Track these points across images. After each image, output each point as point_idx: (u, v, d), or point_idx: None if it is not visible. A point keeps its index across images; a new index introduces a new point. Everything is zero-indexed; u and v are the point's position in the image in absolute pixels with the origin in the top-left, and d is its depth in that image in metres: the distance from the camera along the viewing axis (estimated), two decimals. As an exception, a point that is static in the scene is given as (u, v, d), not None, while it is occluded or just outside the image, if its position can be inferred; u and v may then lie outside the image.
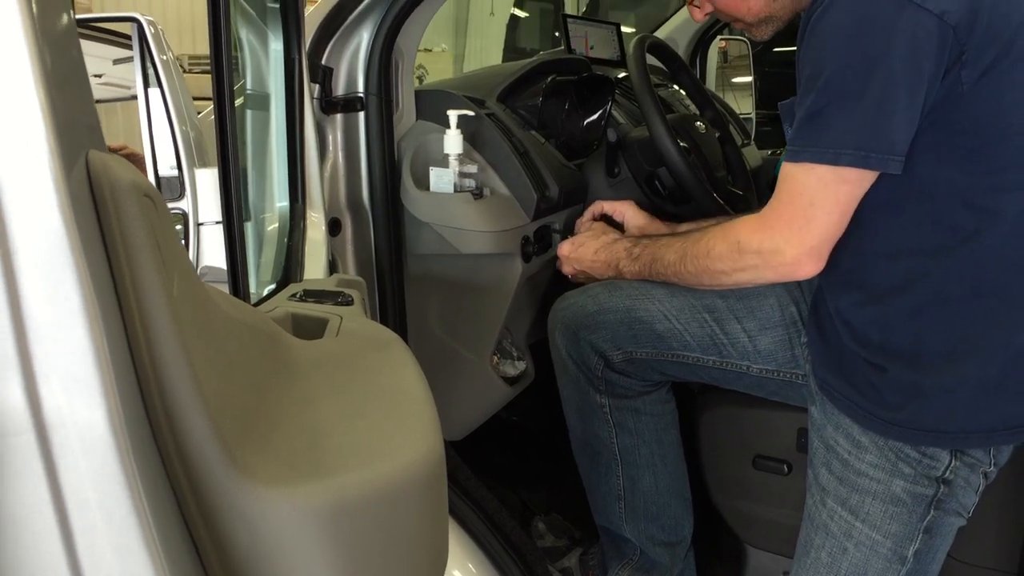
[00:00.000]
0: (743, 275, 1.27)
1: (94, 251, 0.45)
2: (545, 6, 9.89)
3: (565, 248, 1.60)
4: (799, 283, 1.46)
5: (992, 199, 1.14)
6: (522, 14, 9.29)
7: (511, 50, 9.10)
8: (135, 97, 1.59)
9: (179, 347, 0.46)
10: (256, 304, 1.09)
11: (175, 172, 1.36)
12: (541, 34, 9.04)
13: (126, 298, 0.46)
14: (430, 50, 14.35)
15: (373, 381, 0.79)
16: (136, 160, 1.65)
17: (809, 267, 1.19)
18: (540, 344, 1.75)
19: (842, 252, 1.21)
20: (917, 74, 1.07)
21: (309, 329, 0.99)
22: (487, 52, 13.41)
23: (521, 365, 1.76)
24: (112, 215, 0.46)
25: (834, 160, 1.11)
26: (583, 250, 1.56)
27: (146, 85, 1.44)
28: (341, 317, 1.01)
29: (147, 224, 0.47)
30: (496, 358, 1.72)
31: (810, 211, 1.16)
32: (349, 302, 1.13)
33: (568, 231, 1.71)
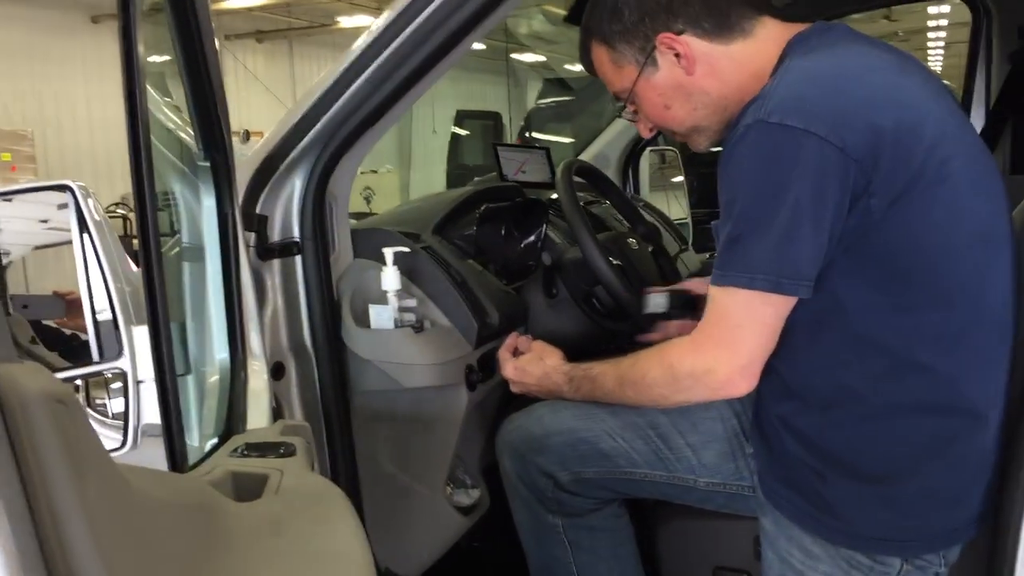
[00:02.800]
0: (679, 396, 1.30)
1: (3, 465, 0.45)
2: (485, 123, 10.17)
3: (508, 371, 1.60)
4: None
5: (912, 319, 1.18)
6: (463, 132, 9.52)
7: (455, 167, 9.29)
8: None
9: (95, 555, 0.46)
10: (196, 464, 1.09)
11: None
12: (484, 150, 9.25)
13: (39, 509, 0.46)
14: (376, 171, 14.60)
15: (310, 547, 0.78)
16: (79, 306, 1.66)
17: (742, 385, 1.22)
18: (494, 467, 1.75)
19: (780, 362, 1.24)
20: (822, 204, 1.11)
21: (249, 487, 0.98)
22: (432, 169, 13.67)
23: (475, 493, 1.75)
24: (21, 427, 0.46)
25: (749, 284, 1.15)
26: (526, 377, 1.57)
27: (83, 245, 1.46)
28: (282, 472, 1.01)
29: (59, 431, 0.48)
30: (450, 488, 1.72)
31: (738, 332, 1.19)
32: (292, 452, 1.13)
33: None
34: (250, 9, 14.90)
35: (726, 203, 1.18)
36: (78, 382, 1.58)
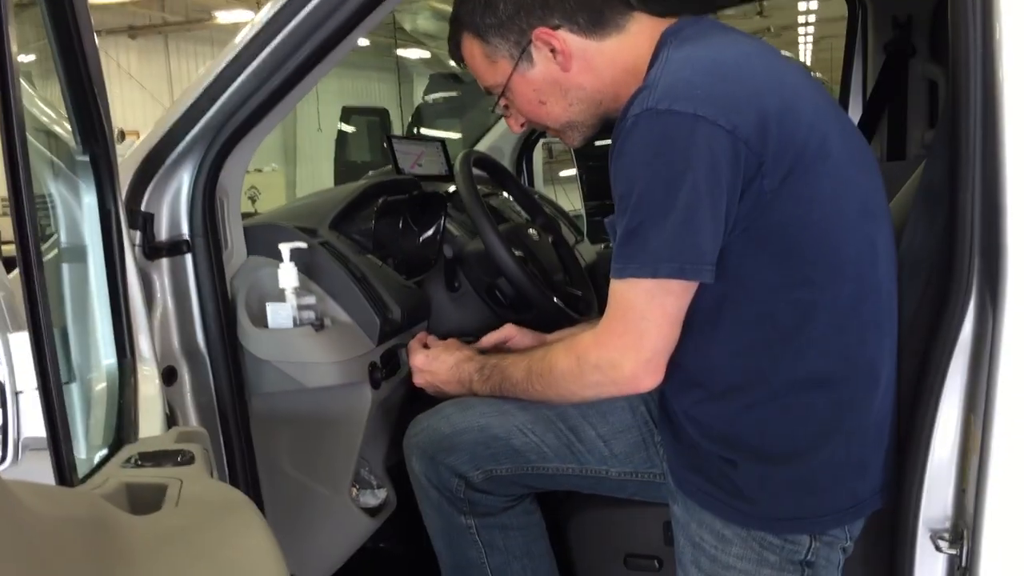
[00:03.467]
0: (587, 391, 1.28)
1: None
2: (371, 119, 10.04)
3: (419, 359, 1.55)
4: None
5: (807, 294, 1.20)
6: (349, 128, 9.38)
7: (342, 164, 9.15)
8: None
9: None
10: (85, 477, 1.02)
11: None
12: (371, 146, 9.14)
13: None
14: (260, 170, 14.27)
15: (218, 558, 0.73)
16: None
17: (648, 380, 1.21)
18: (400, 466, 1.71)
19: (681, 353, 1.23)
20: (718, 187, 1.12)
21: (146, 500, 0.92)
22: (318, 167, 13.44)
23: (382, 494, 1.71)
24: None
25: (653, 273, 1.14)
26: (437, 364, 1.53)
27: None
28: (181, 481, 0.95)
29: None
30: (355, 490, 1.67)
31: (642, 325, 1.18)
32: (189, 460, 1.07)
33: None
34: (123, 4, 14.34)
35: (621, 196, 1.17)
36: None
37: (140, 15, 15.11)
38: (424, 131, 8.45)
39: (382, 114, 9.81)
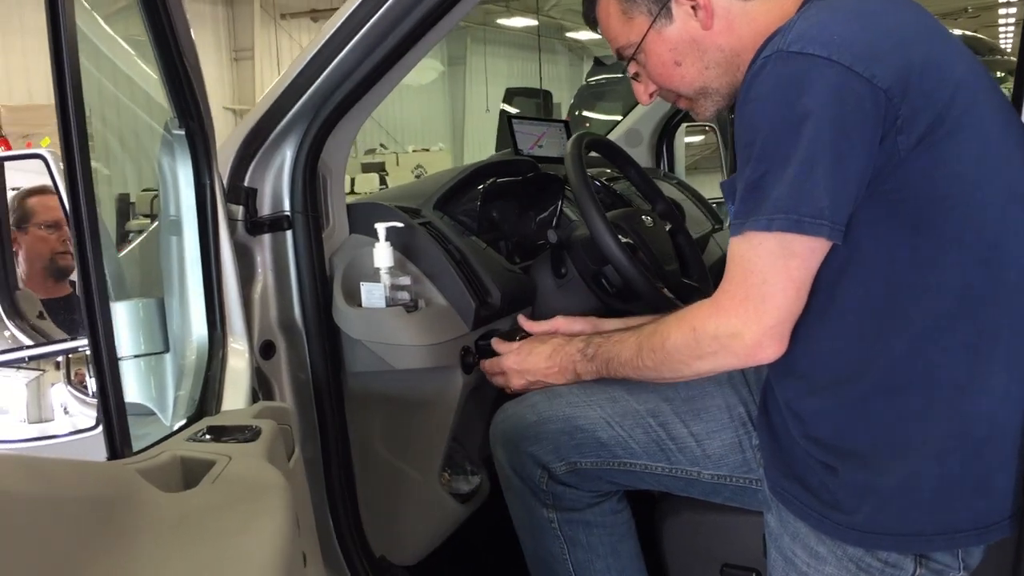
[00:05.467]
0: (703, 363, 1.19)
1: None
2: (536, 101, 10.07)
3: (511, 360, 1.49)
4: (746, 381, 1.39)
5: (935, 276, 1.09)
6: (512, 109, 9.43)
7: (504, 145, 9.23)
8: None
9: None
10: (148, 447, 1.03)
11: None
12: (532, 127, 9.14)
13: None
14: (428, 149, 14.64)
15: (225, 545, 0.72)
16: None
17: (771, 349, 1.12)
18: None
19: (789, 339, 1.14)
20: (845, 138, 1.03)
21: (195, 474, 0.93)
22: (485, 147, 13.62)
23: (475, 480, 1.68)
24: None
25: (767, 226, 1.05)
26: (533, 358, 1.47)
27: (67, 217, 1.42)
28: (229, 458, 0.95)
29: None
30: (447, 475, 1.65)
31: (764, 289, 1.09)
32: (252, 438, 1.07)
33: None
34: (305, -13, 14.96)
35: (744, 146, 1.09)
36: (59, 358, 1.55)
37: (322, -1, 15.71)
38: (584, 113, 8.39)
39: (545, 95, 9.82)
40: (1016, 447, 1.12)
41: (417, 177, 11.65)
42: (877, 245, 1.09)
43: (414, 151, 14.15)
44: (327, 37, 1.39)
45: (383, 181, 11.83)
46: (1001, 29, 18.49)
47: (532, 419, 1.44)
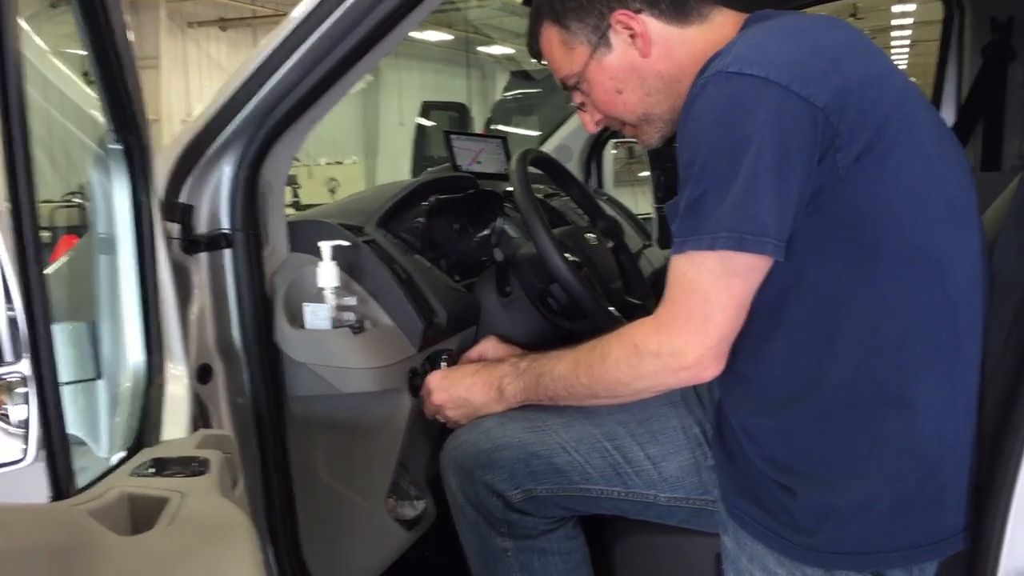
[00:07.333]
0: (642, 382, 1.19)
1: None
2: (451, 114, 10.02)
3: (435, 378, 1.47)
4: (700, 401, 1.39)
5: (878, 292, 1.10)
6: (428, 123, 9.37)
7: (421, 158, 9.15)
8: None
9: None
10: (90, 484, 0.96)
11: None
12: (449, 142, 9.09)
13: None
14: (341, 163, 14.45)
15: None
16: None
17: (712, 368, 1.13)
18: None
19: (739, 358, 1.15)
20: (785, 157, 1.04)
21: (147, 512, 0.87)
22: (399, 161, 13.53)
23: (420, 505, 1.64)
24: None
25: (711, 245, 1.06)
26: (456, 373, 1.46)
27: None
28: (183, 495, 0.89)
29: None
30: (393, 500, 1.60)
31: (706, 308, 1.10)
32: (201, 471, 1.01)
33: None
34: (213, -4, 14.65)
35: (685, 165, 1.10)
36: (-22, 386, 1.45)
37: (231, 8, 15.41)
38: (500, 127, 8.39)
39: (461, 109, 9.78)
40: (967, 462, 1.14)
41: (331, 191, 11.48)
42: (821, 262, 1.10)
43: (327, 164, 13.95)
44: (269, 51, 1.34)
45: (295, 194, 11.62)
46: (895, 51, 19.29)
47: (486, 446, 1.40)
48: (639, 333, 1.18)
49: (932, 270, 1.11)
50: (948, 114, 2.80)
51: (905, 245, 1.10)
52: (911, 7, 14.99)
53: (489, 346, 1.56)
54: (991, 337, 1.16)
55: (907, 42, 18.99)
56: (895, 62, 1.30)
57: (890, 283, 1.10)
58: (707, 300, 1.09)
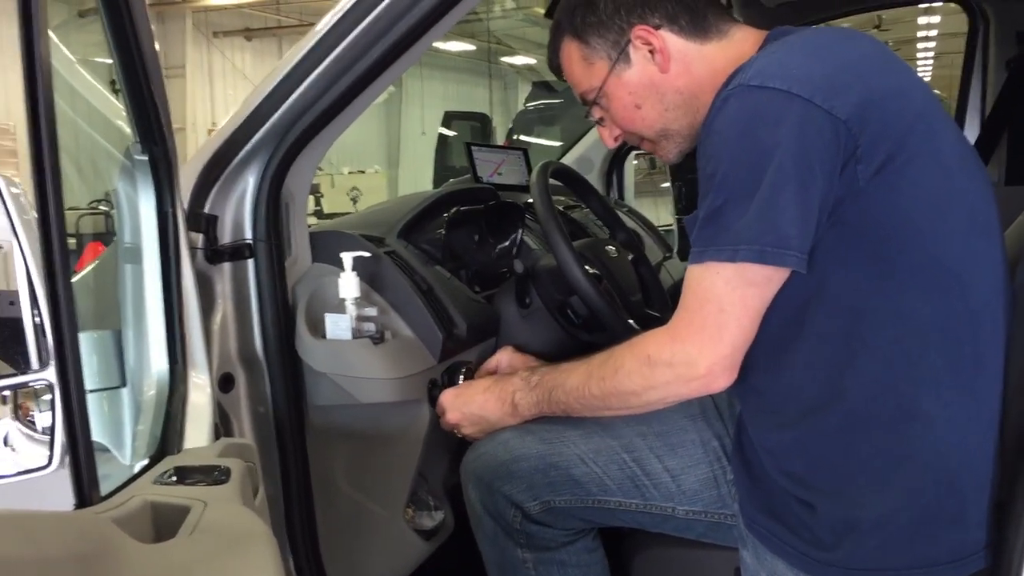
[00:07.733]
0: (654, 393, 1.18)
1: None
2: (473, 124, 10.05)
3: (449, 395, 1.47)
4: (720, 415, 1.39)
5: (898, 304, 1.10)
6: (450, 133, 9.41)
7: (442, 168, 9.19)
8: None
9: None
10: (114, 492, 0.98)
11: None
12: (471, 151, 9.13)
13: None
14: (363, 172, 14.53)
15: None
16: None
17: (723, 379, 1.12)
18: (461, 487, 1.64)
19: (756, 372, 1.15)
20: (807, 169, 1.04)
21: (169, 521, 0.88)
22: (421, 171, 13.58)
23: (439, 516, 1.64)
24: None
25: (732, 257, 1.06)
26: (470, 390, 1.46)
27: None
28: (205, 504, 0.90)
29: None
30: (411, 511, 1.61)
31: (721, 318, 1.09)
32: (223, 479, 1.02)
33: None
34: (239, 6, 14.79)
35: (707, 177, 1.10)
36: (6, 393, 1.47)
37: (256, 18, 15.55)
38: (522, 137, 8.41)
39: (483, 119, 9.82)
40: (989, 477, 1.13)
41: (354, 200, 11.52)
42: (842, 274, 1.10)
43: (349, 173, 14.03)
44: (293, 63, 1.35)
45: (318, 203, 11.70)
46: (919, 63, 19.19)
47: (504, 457, 1.41)
48: (652, 343, 1.18)
49: (953, 282, 1.11)
50: (972, 127, 2.79)
51: (926, 256, 1.10)
52: (936, 19, 14.92)
53: (505, 357, 1.57)
54: (1014, 351, 1.16)
55: (931, 54, 18.88)
56: (920, 74, 1.30)
57: (911, 295, 1.10)
58: (722, 310, 1.09)
